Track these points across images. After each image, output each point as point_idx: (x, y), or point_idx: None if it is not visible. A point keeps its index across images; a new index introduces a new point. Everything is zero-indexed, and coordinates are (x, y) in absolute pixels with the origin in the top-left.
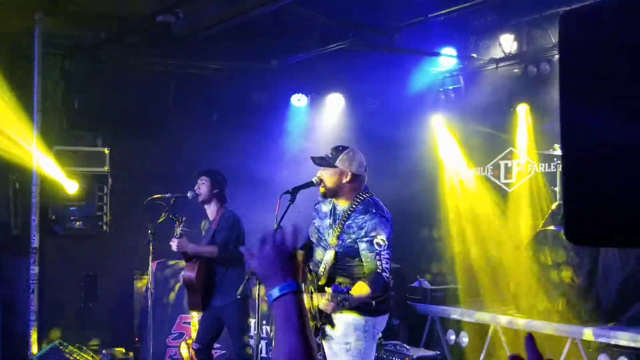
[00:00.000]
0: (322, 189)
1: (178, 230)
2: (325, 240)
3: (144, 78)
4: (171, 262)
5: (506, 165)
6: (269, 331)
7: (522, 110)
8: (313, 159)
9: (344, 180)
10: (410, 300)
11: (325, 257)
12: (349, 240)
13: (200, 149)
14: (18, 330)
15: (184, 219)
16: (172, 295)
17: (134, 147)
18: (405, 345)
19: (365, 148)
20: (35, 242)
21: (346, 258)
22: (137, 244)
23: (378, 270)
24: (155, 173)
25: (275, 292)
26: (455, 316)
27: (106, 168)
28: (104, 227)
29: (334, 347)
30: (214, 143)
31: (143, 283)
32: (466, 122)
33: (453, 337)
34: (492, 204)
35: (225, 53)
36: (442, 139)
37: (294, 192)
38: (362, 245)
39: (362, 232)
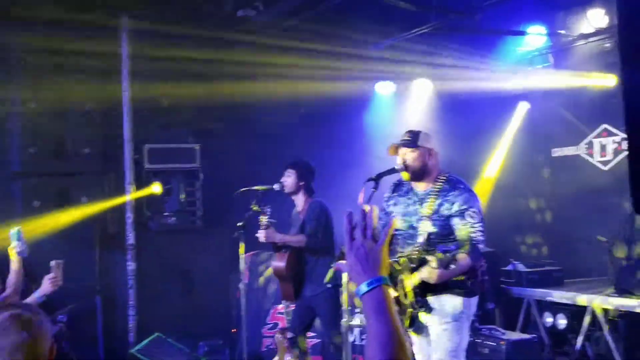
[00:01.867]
0: (406, 173)
1: (264, 221)
2: (415, 224)
3: (231, 73)
4: (262, 262)
5: (600, 142)
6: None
7: (613, 84)
8: (399, 144)
9: (430, 160)
10: (505, 283)
11: (417, 240)
12: (443, 219)
13: (288, 142)
14: (118, 325)
15: (268, 209)
16: (262, 280)
17: (223, 142)
18: (500, 329)
19: (454, 131)
20: (132, 238)
21: (439, 239)
22: (229, 237)
23: (473, 241)
24: (244, 167)
25: (364, 287)
26: (551, 298)
27: (197, 164)
28: (197, 222)
29: (431, 330)
30: (302, 135)
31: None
32: (557, 100)
33: (550, 320)
34: (587, 182)
35: (308, 44)
36: (535, 117)
37: (377, 178)
38: (456, 220)
39: (455, 207)
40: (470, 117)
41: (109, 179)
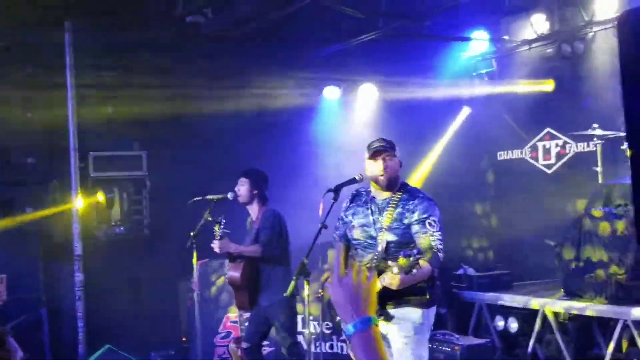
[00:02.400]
0: (382, 179)
1: (218, 232)
2: (374, 234)
3: (177, 80)
4: (213, 271)
5: (544, 146)
6: (317, 328)
7: (556, 90)
8: (384, 147)
9: (399, 170)
10: (456, 288)
11: (376, 248)
12: (402, 227)
13: (235, 148)
14: (67, 337)
15: (223, 220)
16: (214, 289)
17: (170, 150)
18: (454, 334)
19: (400, 136)
20: (79, 249)
21: (397, 247)
22: (178, 245)
23: (434, 249)
24: (192, 175)
25: (351, 329)
26: (502, 302)
27: (144, 171)
28: (145, 231)
29: (392, 343)
30: (249, 140)
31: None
32: (501, 104)
33: (501, 324)
34: (532, 186)
35: (255, 50)
36: (479, 122)
37: (336, 189)
38: (416, 228)
39: (415, 215)
40: (414, 122)
41: (54, 188)
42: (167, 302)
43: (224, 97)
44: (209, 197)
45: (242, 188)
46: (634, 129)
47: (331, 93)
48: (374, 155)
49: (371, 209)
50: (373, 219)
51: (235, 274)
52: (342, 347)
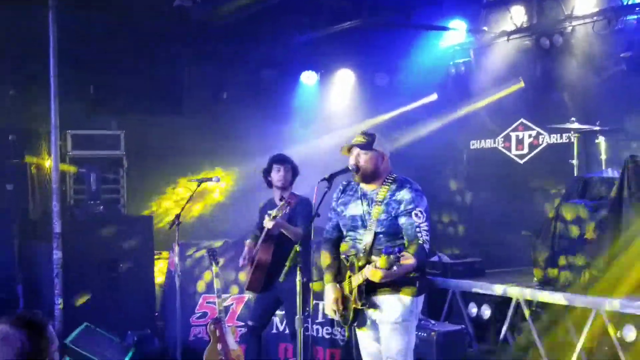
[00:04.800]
0: (357, 176)
1: (280, 213)
2: (364, 225)
3: (157, 61)
4: (190, 251)
5: (517, 136)
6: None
7: (533, 82)
8: (353, 145)
9: (382, 163)
10: (430, 274)
11: (364, 239)
12: (390, 218)
13: (213, 129)
14: (43, 315)
15: (290, 203)
16: (202, 284)
17: (148, 129)
18: (430, 320)
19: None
20: (58, 227)
21: (386, 238)
22: (155, 224)
23: (420, 241)
24: (170, 155)
25: None
26: (476, 289)
27: (122, 151)
28: (122, 210)
29: (380, 329)
30: (225, 122)
31: (164, 265)
32: (476, 95)
33: (475, 310)
34: (504, 175)
35: (236, 31)
36: (453, 112)
37: (330, 178)
38: (402, 219)
39: (401, 207)
40: (390, 108)
41: (33, 166)
42: (145, 281)
43: (205, 80)
44: (193, 180)
45: (287, 174)
46: None
47: (308, 78)
48: (348, 150)
49: (361, 200)
50: (363, 210)
51: (266, 257)
52: (317, 329)
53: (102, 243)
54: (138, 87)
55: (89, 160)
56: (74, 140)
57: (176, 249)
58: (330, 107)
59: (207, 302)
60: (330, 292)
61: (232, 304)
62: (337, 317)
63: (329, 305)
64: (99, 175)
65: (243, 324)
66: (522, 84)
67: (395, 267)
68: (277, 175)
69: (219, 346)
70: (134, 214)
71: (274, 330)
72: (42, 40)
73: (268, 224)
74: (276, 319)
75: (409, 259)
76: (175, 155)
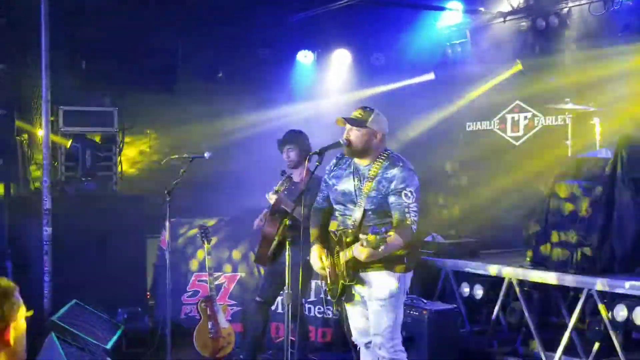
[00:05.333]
0: (348, 149)
1: (282, 187)
2: (354, 200)
3: (151, 38)
4: (182, 230)
5: (513, 118)
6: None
7: (528, 64)
8: (346, 120)
9: (374, 141)
10: (424, 254)
11: (354, 215)
12: (380, 196)
13: (207, 107)
14: (32, 292)
15: (291, 175)
16: (195, 263)
17: (142, 106)
18: (422, 299)
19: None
20: (48, 203)
21: (375, 215)
22: (147, 202)
23: (407, 222)
24: (163, 132)
25: None
26: (469, 269)
27: (115, 127)
28: (114, 187)
29: (368, 306)
30: (221, 100)
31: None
32: (472, 76)
33: (467, 290)
34: (500, 157)
35: (231, 10)
36: (449, 93)
37: (321, 152)
38: (392, 198)
39: (392, 185)
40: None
41: (24, 141)
42: (136, 259)
43: (200, 59)
44: (185, 156)
45: (293, 154)
46: None
47: (305, 57)
48: (342, 123)
49: (353, 175)
50: (354, 185)
51: (273, 230)
52: (309, 308)
53: (93, 220)
54: (132, 64)
55: (81, 136)
56: (66, 116)
57: (167, 226)
58: (327, 86)
59: (198, 281)
60: (314, 251)
61: (224, 282)
62: (324, 272)
63: (315, 263)
64: (93, 151)
65: (235, 302)
66: (520, 67)
67: (381, 247)
68: (285, 157)
69: (210, 324)
70: (127, 191)
71: None
72: (34, 15)
73: (271, 198)
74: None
75: (396, 239)
76: (169, 133)
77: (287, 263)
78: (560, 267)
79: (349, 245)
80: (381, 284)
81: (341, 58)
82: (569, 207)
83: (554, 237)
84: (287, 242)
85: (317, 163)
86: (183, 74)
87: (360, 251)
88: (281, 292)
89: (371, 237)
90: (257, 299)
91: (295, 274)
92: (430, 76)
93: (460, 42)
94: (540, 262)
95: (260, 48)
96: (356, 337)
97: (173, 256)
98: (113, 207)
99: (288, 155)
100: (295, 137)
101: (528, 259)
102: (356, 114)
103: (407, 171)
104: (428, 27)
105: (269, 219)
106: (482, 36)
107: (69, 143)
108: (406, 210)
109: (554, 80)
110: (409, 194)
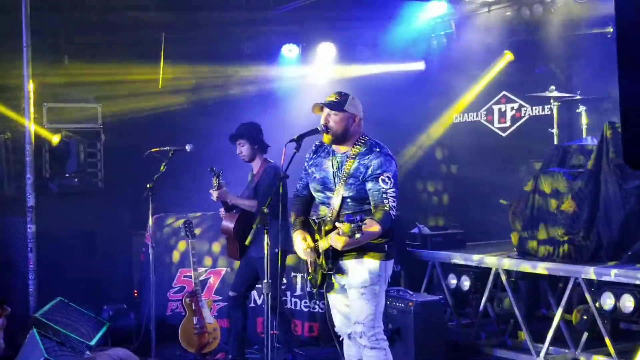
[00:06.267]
0: (327, 136)
1: (216, 182)
2: (332, 187)
3: (134, 31)
4: (170, 220)
5: (500, 109)
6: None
7: (514, 54)
8: (324, 104)
9: (353, 125)
10: (410, 246)
11: (332, 202)
12: (358, 183)
13: (191, 102)
14: (17, 290)
15: (221, 171)
16: (176, 255)
17: (126, 101)
18: (408, 291)
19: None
20: (32, 200)
21: (354, 202)
22: (132, 198)
23: (386, 208)
24: (147, 127)
25: None
26: (455, 261)
27: (99, 124)
28: (99, 184)
29: (349, 294)
30: (208, 93)
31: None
32: (458, 67)
33: (454, 282)
34: (486, 148)
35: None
36: (433, 85)
37: (299, 139)
38: (369, 185)
39: (369, 171)
40: (371, 79)
41: (7, 138)
42: (120, 255)
43: (180, 48)
44: (165, 148)
45: (244, 148)
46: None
47: (289, 51)
48: (320, 109)
49: (332, 162)
50: (332, 172)
51: (229, 224)
52: (295, 302)
53: (79, 217)
54: (116, 59)
55: (72, 132)
56: (50, 113)
57: (150, 221)
58: (312, 80)
59: (184, 276)
60: (297, 235)
61: (209, 278)
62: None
63: (298, 246)
64: (85, 147)
65: (220, 297)
66: (511, 57)
67: (357, 235)
68: (237, 152)
69: (195, 319)
70: (111, 187)
71: (252, 304)
72: (14, 11)
73: (212, 196)
74: (254, 293)
75: (373, 226)
76: (154, 129)
77: (265, 253)
78: (547, 257)
79: (327, 233)
80: (361, 272)
81: (326, 51)
82: (553, 203)
83: (541, 234)
84: (265, 231)
85: (294, 150)
86: (167, 68)
87: (336, 240)
88: (256, 284)
89: (345, 226)
90: (231, 293)
91: (273, 263)
92: (421, 66)
93: (445, 33)
94: (526, 252)
95: (244, 41)
96: (339, 328)
97: (158, 251)
98: (98, 203)
99: (240, 150)
100: (245, 131)
101: (515, 250)
102: (331, 98)
103: (385, 157)
104: (413, 19)
105: (226, 215)
106: (467, 27)
107: (54, 138)
108: (384, 195)
109: (540, 72)
110: (387, 180)
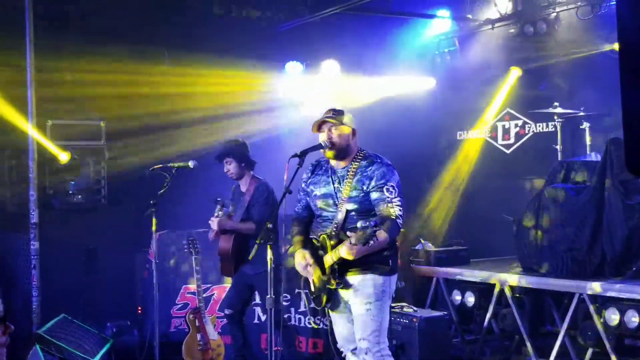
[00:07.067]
0: (330, 152)
1: (220, 212)
2: (335, 202)
3: (136, 46)
4: (173, 237)
5: (503, 126)
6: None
7: (517, 71)
8: (327, 118)
9: (353, 139)
10: (414, 262)
11: (336, 217)
12: (362, 195)
13: (196, 119)
14: (20, 306)
15: (224, 202)
16: (172, 262)
17: (129, 119)
18: (412, 306)
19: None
20: (35, 217)
21: (358, 216)
22: (135, 215)
23: (392, 216)
24: (151, 145)
25: None
26: (460, 277)
27: (103, 141)
28: (102, 201)
29: (353, 310)
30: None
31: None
32: (462, 84)
33: (459, 298)
34: (490, 165)
35: (219, 22)
36: (438, 102)
37: (302, 155)
38: (374, 195)
39: (372, 182)
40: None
41: (10, 155)
42: (124, 272)
43: (184, 68)
44: (169, 165)
45: (231, 167)
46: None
47: (293, 68)
48: (318, 128)
49: (332, 179)
50: (334, 188)
51: (227, 245)
52: (299, 319)
53: (82, 234)
54: (119, 75)
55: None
56: (54, 130)
57: (154, 238)
58: (316, 98)
59: (188, 293)
60: (297, 254)
61: (213, 294)
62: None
63: (299, 264)
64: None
65: (223, 314)
66: (519, 72)
67: (371, 242)
68: (225, 170)
69: (199, 336)
70: (114, 203)
71: (256, 321)
72: (20, 27)
73: (213, 225)
74: (258, 310)
75: (381, 235)
76: (158, 147)
77: (269, 268)
78: (551, 272)
79: (333, 248)
80: (366, 288)
81: (330, 68)
82: (557, 214)
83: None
84: (268, 246)
85: (297, 166)
86: (171, 86)
87: (349, 249)
88: (251, 301)
89: (360, 233)
90: (227, 311)
91: (276, 277)
92: (431, 82)
93: (449, 50)
94: (530, 268)
95: (248, 59)
96: (342, 344)
97: (162, 268)
98: (101, 220)
99: (227, 169)
100: (231, 149)
101: (519, 264)
102: (328, 114)
103: (386, 167)
104: (417, 36)
105: (221, 237)
106: (471, 44)
107: (62, 156)
108: (390, 205)
109: (543, 89)
110: (391, 189)
